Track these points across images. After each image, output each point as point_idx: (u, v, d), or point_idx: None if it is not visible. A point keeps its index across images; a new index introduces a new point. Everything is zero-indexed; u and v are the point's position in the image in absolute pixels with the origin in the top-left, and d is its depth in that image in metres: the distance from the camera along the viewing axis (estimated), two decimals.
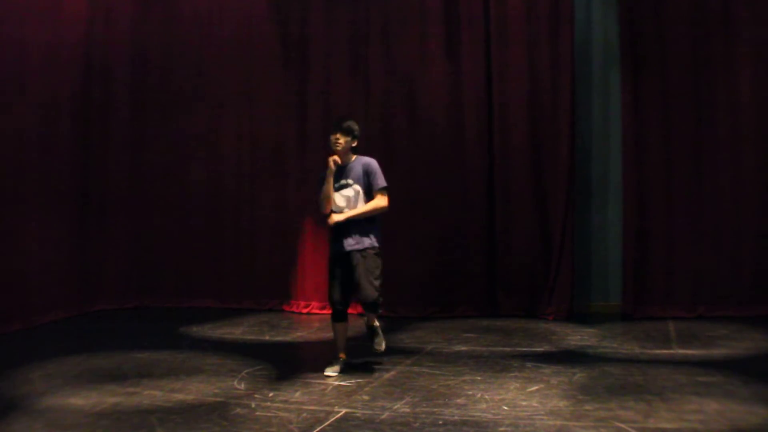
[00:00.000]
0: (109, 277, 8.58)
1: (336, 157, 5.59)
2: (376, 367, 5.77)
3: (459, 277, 7.99)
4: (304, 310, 8.31)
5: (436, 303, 7.98)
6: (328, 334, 7.21)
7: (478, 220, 8.00)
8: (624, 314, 7.61)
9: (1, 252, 7.21)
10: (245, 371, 5.71)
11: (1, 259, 7.20)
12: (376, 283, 5.48)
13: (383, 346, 5.66)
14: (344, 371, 5.61)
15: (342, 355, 5.71)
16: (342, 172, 5.62)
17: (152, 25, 8.78)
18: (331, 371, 5.59)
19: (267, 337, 7.12)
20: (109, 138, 8.60)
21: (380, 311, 5.68)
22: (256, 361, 6.01)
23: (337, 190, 5.60)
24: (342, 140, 5.59)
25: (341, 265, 5.58)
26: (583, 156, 8.01)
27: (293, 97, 8.50)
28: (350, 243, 5.53)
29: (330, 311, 5.84)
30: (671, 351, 6.19)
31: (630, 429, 4.24)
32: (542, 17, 7.88)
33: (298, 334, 7.35)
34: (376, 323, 5.72)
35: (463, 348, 6.43)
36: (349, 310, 8.04)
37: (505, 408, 4.69)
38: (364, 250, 5.52)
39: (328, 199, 5.60)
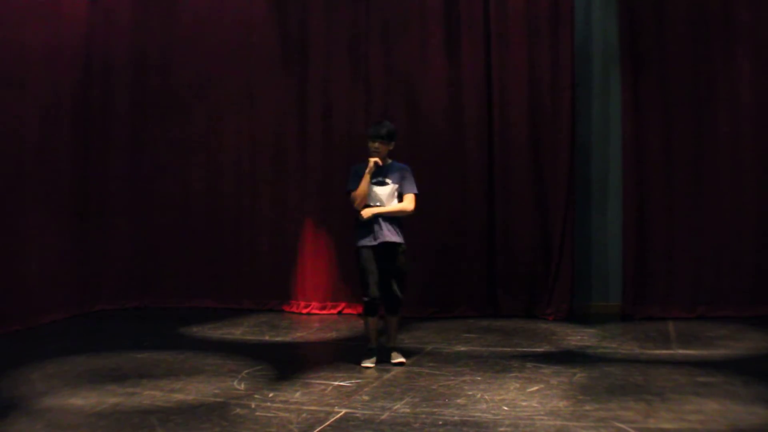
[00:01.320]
0: (109, 278, 8.58)
1: (378, 159, 5.84)
2: (376, 367, 5.77)
3: (459, 277, 7.99)
4: (304, 311, 8.30)
5: (436, 303, 7.98)
6: (329, 335, 7.25)
7: (478, 220, 8.00)
8: (624, 314, 7.60)
9: (1, 252, 7.20)
10: (245, 371, 5.71)
11: (1, 260, 7.19)
12: (403, 285, 5.84)
13: (401, 359, 5.90)
14: (356, 370, 5.70)
15: (374, 344, 5.88)
16: (380, 170, 5.87)
17: (152, 25, 8.76)
18: (368, 363, 5.77)
19: (267, 338, 7.12)
20: (109, 138, 8.59)
21: (400, 314, 5.93)
22: (256, 362, 6.01)
23: (377, 185, 5.85)
24: (383, 148, 5.87)
25: (376, 257, 5.75)
26: (583, 156, 8.01)
27: (293, 97, 8.50)
28: (388, 234, 5.75)
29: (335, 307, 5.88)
30: (671, 351, 6.19)
31: (630, 429, 4.24)
32: (542, 17, 7.87)
33: (298, 335, 7.34)
34: (396, 349, 5.97)
35: (463, 348, 6.43)
36: (349, 311, 8.15)
37: (505, 408, 4.69)
38: (400, 245, 5.80)
39: (364, 195, 5.81)
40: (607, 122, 8.02)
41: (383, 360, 5.87)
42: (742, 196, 7.55)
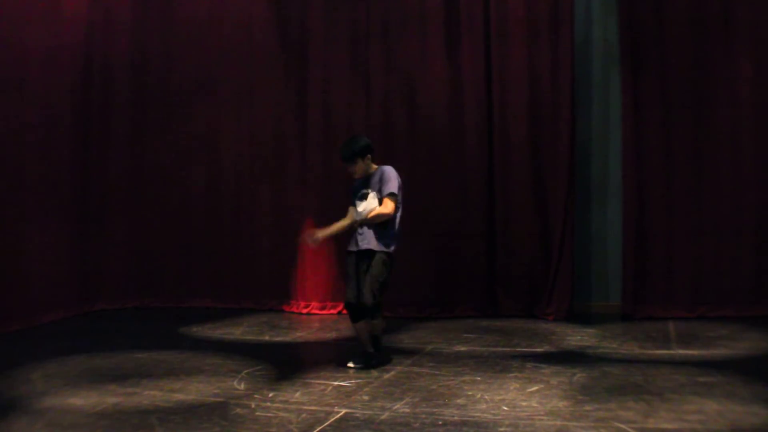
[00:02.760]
0: (109, 277, 8.58)
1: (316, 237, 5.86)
2: (376, 367, 5.77)
3: (459, 277, 7.99)
4: (304, 311, 8.31)
5: (436, 303, 7.98)
6: (328, 335, 7.25)
7: (478, 220, 8.00)
8: (624, 314, 7.60)
9: (1, 252, 7.21)
10: (245, 371, 5.71)
11: (1, 259, 7.20)
12: (376, 290, 5.61)
13: (353, 365, 5.76)
14: (363, 368, 5.71)
15: (367, 348, 5.83)
16: (364, 183, 5.84)
17: (152, 25, 8.77)
18: (351, 363, 5.75)
19: (267, 337, 7.12)
20: (109, 138, 8.61)
21: (376, 319, 5.75)
22: (256, 361, 6.01)
23: (359, 199, 5.81)
24: (358, 167, 5.80)
25: (354, 265, 5.75)
26: (583, 156, 8.01)
27: (293, 97, 8.51)
28: (360, 243, 5.72)
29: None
30: (671, 351, 6.19)
31: (630, 429, 4.23)
32: (542, 17, 7.88)
33: (298, 334, 7.35)
34: (378, 333, 5.85)
35: (463, 348, 6.42)
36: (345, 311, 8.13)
37: (505, 408, 4.69)
38: (374, 253, 5.68)
39: (340, 229, 5.87)
40: (607, 122, 8.02)
41: (376, 364, 5.83)
42: (742, 195, 7.55)
